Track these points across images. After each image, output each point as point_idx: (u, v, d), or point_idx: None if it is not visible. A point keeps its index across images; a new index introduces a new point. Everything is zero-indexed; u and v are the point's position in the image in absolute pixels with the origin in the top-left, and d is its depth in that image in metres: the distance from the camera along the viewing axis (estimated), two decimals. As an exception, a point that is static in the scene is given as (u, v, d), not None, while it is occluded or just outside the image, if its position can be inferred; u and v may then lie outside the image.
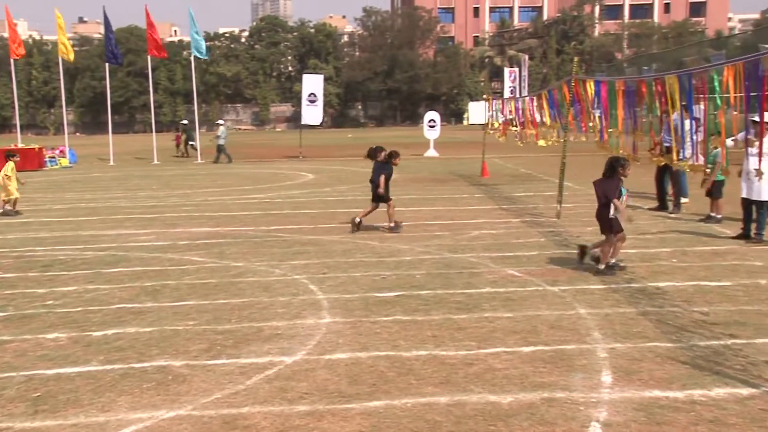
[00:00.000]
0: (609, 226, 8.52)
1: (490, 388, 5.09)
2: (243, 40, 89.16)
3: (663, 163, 12.22)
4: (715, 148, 11.13)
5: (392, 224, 11.73)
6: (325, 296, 7.74)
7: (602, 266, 8.49)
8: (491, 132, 22.23)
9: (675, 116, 10.19)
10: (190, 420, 4.70)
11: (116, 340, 6.39)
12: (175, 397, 5.08)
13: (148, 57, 32.45)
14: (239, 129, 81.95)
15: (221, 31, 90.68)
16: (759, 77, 7.00)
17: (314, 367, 5.59)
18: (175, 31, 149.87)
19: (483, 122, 25.35)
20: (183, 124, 38.31)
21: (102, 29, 38.92)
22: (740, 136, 11.04)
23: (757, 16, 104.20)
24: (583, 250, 9.06)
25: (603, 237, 8.63)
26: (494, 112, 22.42)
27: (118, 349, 6.15)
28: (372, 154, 11.90)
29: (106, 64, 33.34)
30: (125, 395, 5.12)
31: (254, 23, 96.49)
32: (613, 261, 8.55)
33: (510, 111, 20.59)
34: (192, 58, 33.15)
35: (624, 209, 8.58)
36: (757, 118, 8.62)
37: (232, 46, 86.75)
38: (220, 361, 5.78)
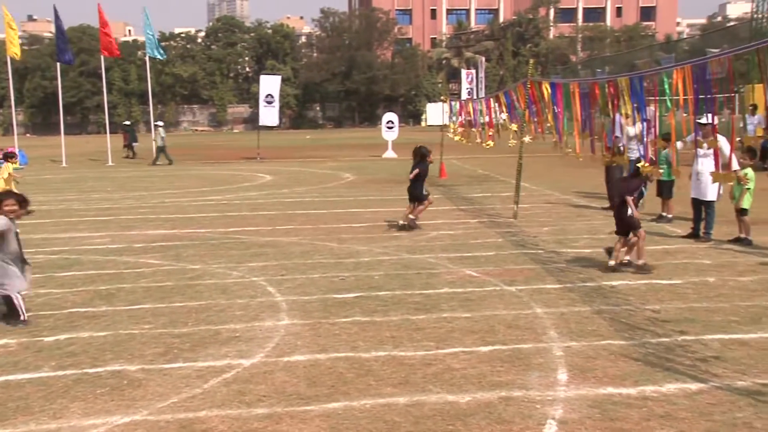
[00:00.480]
0: (626, 226, 8.61)
1: (449, 387, 5.12)
2: (199, 40, 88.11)
3: (615, 164, 12.46)
4: (665, 148, 11.40)
5: (412, 218, 11.96)
6: (283, 298, 7.70)
7: (612, 263, 8.62)
8: (452, 135, 22.39)
9: (618, 118, 10.46)
10: (146, 425, 4.63)
11: (69, 345, 6.27)
12: (130, 402, 5.00)
13: (101, 57, 31.86)
14: (196, 130, 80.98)
15: (177, 31, 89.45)
16: (707, 80, 7.18)
17: (272, 370, 5.56)
18: (129, 30, 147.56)
19: (441, 123, 25.51)
20: (125, 125, 37.97)
21: (53, 27, 38.06)
22: (690, 138, 11.32)
23: (704, 21, 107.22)
24: (609, 251, 8.97)
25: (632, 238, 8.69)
26: (453, 114, 22.60)
27: (70, 354, 6.02)
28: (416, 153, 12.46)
29: (57, 64, 32.63)
30: (78, 401, 5.02)
31: (211, 23, 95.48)
32: (641, 262, 8.62)
33: (468, 113, 20.76)
34: (147, 59, 32.64)
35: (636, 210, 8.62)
36: (704, 121, 8.84)
37: (188, 46, 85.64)
38: (176, 365, 5.71)
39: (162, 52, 32.36)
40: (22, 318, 6.83)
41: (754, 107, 21.15)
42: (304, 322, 6.79)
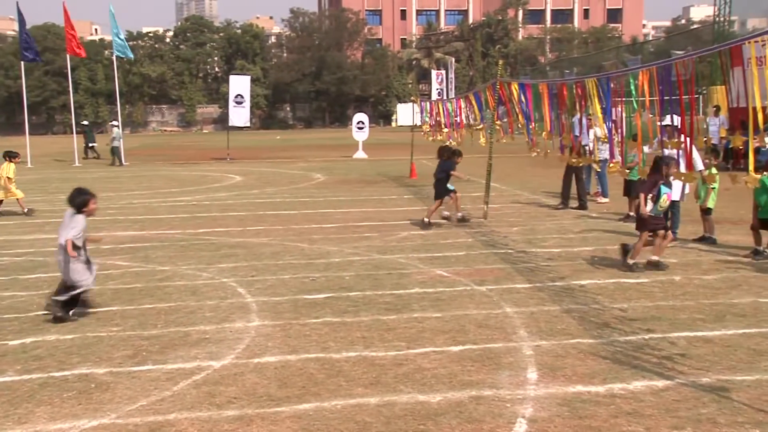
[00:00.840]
0: (643, 223, 8.69)
1: (420, 387, 5.14)
2: (167, 40, 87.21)
3: (581, 164, 12.63)
4: (633, 149, 11.55)
5: (459, 215, 12.43)
6: (253, 299, 7.66)
7: (631, 261, 8.68)
8: (424, 135, 22.43)
9: (577, 119, 10.61)
10: (114, 428, 4.58)
11: (34, 348, 6.17)
12: (97, 405, 4.93)
13: (67, 56, 31.38)
14: (165, 131, 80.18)
15: (145, 30, 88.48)
16: (672, 82, 7.30)
17: (243, 371, 5.53)
18: (96, 29, 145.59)
19: (411, 124, 25.58)
20: (83, 125, 37.30)
21: (16, 26, 37.39)
22: (657, 141, 11.50)
23: (668, 23, 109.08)
24: (624, 248, 9.02)
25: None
26: (425, 114, 22.66)
27: (36, 357, 5.93)
28: (440, 153, 12.78)
29: (22, 63, 32.06)
30: (44, 405, 4.95)
31: (179, 23, 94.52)
32: (655, 258, 8.70)
33: (437, 113, 20.84)
34: (114, 58, 32.21)
35: (646, 208, 8.67)
36: (666, 122, 8.97)
37: (157, 46, 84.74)
38: (145, 368, 5.65)
39: (129, 51, 31.92)
40: (81, 310, 7.09)
41: (717, 108, 21.55)
42: (274, 323, 6.77)
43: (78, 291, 7.09)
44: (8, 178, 14.50)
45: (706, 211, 10.40)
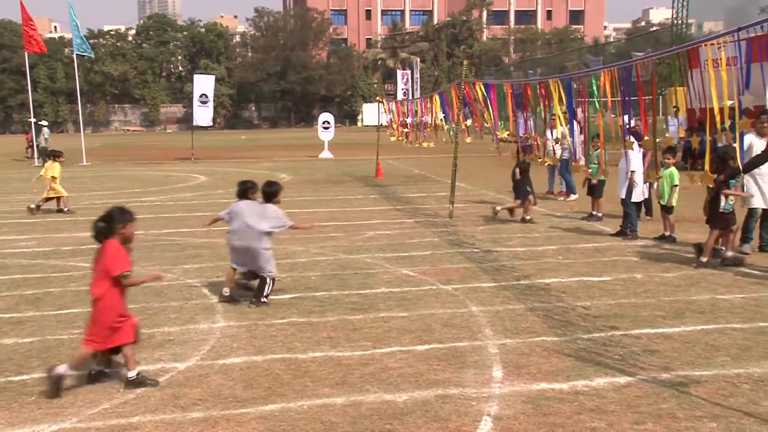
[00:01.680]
0: (718, 220, 8.73)
1: (386, 387, 5.15)
2: (130, 38, 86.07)
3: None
4: (596, 149, 11.72)
5: (527, 217, 12.43)
6: (218, 300, 7.59)
7: (704, 259, 8.72)
8: (390, 134, 22.46)
9: (524, 117, 10.77)
10: (76, 433, 4.50)
11: (-7, 352, 6.04)
12: (58, 410, 4.85)
13: (25, 53, 30.76)
14: (127, 130, 79.08)
15: (106, 28, 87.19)
16: (632, 83, 7.43)
17: (208, 373, 5.48)
18: (55, 27, 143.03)
19: (377, 124, 25.61)
20: (40, 124, 36.30)
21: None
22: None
23: (629, 25, 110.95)
24: (699, 247, 9.05)
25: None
26: (391, 114, 22.70)
27: (-5, 362, 5.80)
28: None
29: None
30: (2, 410, 4.84)
31: (141, 21, 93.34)
32: (730, 254, 8.78)
33: (403, 113, 20.90)
34: (74, 56, 31.66)
35: (738, 195, 8.81)
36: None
37: (119, 44, 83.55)
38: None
39: (90, 49, 31.38)
40: (264, 300, 7.31)
41: (677, 109, 21.97)
42: (240, 324, 6.72)
43: (273, 278, 7.42)
44: (53, 177, 14.60)
45: (667, 210, 10.59)
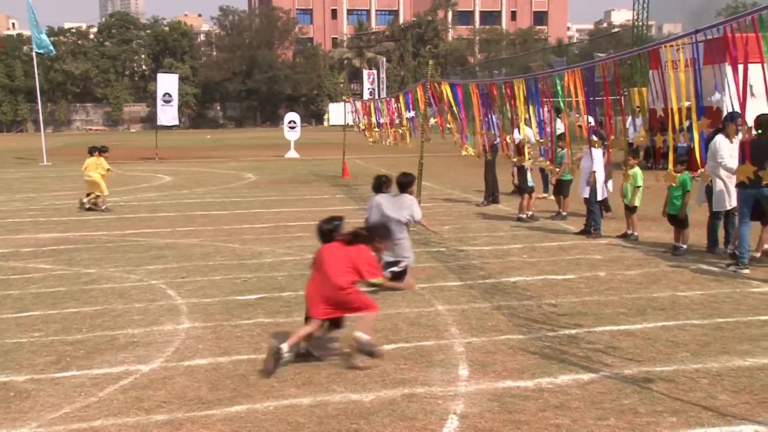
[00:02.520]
0: None
1: (352, 386, 5.15)
2: (91, 36, 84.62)
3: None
4: (561, 149, 11.85)
5: (529, 213, 12.59)
6: (184, 301, 7.52)
7: (758, 254, 8.83)
8: (359, 132, 22.44)
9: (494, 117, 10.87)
10: (37, 438, 4.42)
11: (-50, 357, 5.90)
12: (17, 414, 4.76)
13: (-17, 51, 30.07)
14: (90, 129, 77.77)
15: (67, 26, 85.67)
16: (595, 84, 7.53)
17: (173, 375, 5.43)
18: (13, 24, 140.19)
19: (343, 123, 25.58)
20: None
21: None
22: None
23: (591, 26, 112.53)
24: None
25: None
26: (358, 114, 22.68)
27: (-48, 366, 5.67)
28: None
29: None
30: (-38, 416, 4.74)
31: (103, 19, 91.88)
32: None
33: (369, 113, 20.90)
34: (33, 54, 31.03)
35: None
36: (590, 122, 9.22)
37: (80, 42, 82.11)
38: (69, 373, 5.48)
39: (51, 47, 30.77)
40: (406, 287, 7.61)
41: (639, 109, 22.29)
42: (205, 325, 6.66)
43: (403, 266, 7.76)
44: (103, 173, 14.74)
45: (631, 210, 10.76)
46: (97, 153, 14.96)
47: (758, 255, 9.00)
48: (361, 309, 5.70)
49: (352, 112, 23.31)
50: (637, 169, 10.70)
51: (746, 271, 8.45)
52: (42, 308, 7.34)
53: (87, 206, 14.57)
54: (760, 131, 8.20)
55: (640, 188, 10.67)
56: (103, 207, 14.59)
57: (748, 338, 6.09)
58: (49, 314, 7.11)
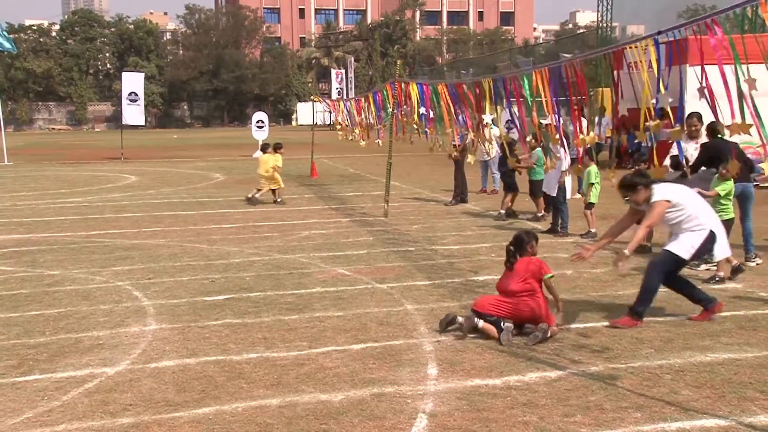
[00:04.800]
0: None
1: (322, 387, 5.14)
2: (54, 34, 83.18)
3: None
4: (533, 148, 11.96)
5: (503, 212, 12.83)
6: (150, 302, 7.44)
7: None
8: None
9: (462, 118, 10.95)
10: (-1, 443, 4.34)
11: None
12: (-20, 419, 4.66)
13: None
14: (53, 129, 76.47)
15: (28, 23, 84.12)
16: (563, 84, 7.61)
17: (139, 377, 5.36)
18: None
19: (311, 123, 25.49)
20: None
21: None
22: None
23: (557, 27, 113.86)
24: None
25: None
26: (327, 113, 22.61)
27: None
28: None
29: None
30: None
31: (66, 17, 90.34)
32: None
33: (339, 111, 20.86)
34: (-6, 51, 30.41)
35: None
36: (546, 121, 9.30)
37: (42, 40, 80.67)
38: (32, 377, 5.38)
39: (12, 44, 30.15)
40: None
41: (603, 110, 22.59)
42: (172, 327, 6.60)
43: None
44: (277, 166, 15.12)
45: (587, 206, 10.92)
46: (270, 149, 15.51)
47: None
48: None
49: (331, 111, 23.17)
50: (592, 167, 10.84)
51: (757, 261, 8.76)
52: (3, 311, 7.20)
53: (259, 200, 15.26)
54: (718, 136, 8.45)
55: (594, 185, 10.85)
56: (279, 199, 15.35)
57: (709, 334, 6.21)
58: (11, 317, 6.98)
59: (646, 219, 6.52)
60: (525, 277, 6.29)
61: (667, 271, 6.57)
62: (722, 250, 6.73)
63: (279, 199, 15.38)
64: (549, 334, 6.11)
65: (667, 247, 6.55)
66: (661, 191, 6.51)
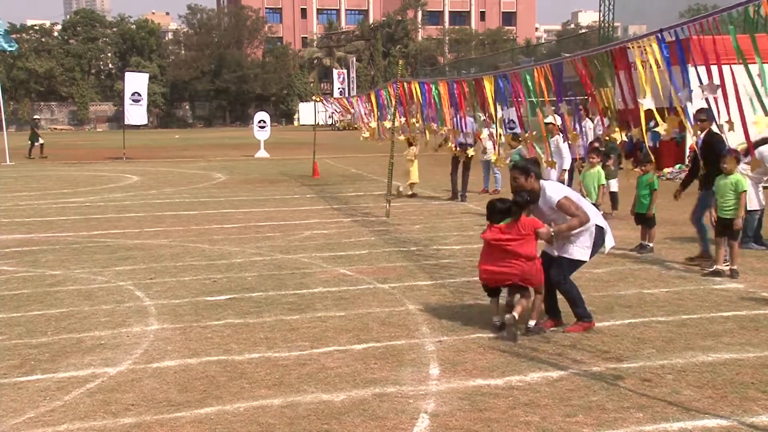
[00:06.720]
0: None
1: (323, 387, 5.14)
2: (56, 34, 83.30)
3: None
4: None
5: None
6: (152, 302, 7.44)
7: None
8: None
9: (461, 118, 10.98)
10: (1, 443, 4.35)
11: None
12: (-18, 419, 4.67)
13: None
14: (55, 129, 76.55)
15: (30, 23, 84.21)
16: (564, 83, 7.60)
17: (141, 377, 5.37)
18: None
19: (313, 123, 25.49)
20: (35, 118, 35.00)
21: None
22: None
23: (559, 27, 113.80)
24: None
25: None
26: (333, 112, 22.60)
27: None
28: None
29: None
30: None
31: (68, 16, 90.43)
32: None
33: (345, 109, 20.86)
34: (-5, 51, 30.45)
35: None
36: (548, 120, 9.30)
37: (43, 40, 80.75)
38: (33, 377, 5.39)
39: (13, 44, 30.15)
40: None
41: (605, 110, 22.61)
42: (174, 327, 6.60)
43: None
44: (410, 160, 15.51)
45: (595, 207, 10.88)
46: (408, 143, 15.68)
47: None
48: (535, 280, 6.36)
49: (341, 111, 23.10)
50: (598, 168, 10.83)
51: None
52: (5, 311, 7.20)
53: (409, 192, 15.79)
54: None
55: (603, 186, 10.84)
56: (409, 192, 15.83)
57: (711, 334, 6.20)
58: (13, 317, 6.99)
59: (572, 219, 6.26)
60: (529, 230, 6.18)
61: (570, 274, 6.42)
62: (610, 241, 6.62)
63: (409, 192, 15.83)
64: (537, 330, 6.24)
65: (566, 255, 6.32)
66: (557, 189, 6.38)
